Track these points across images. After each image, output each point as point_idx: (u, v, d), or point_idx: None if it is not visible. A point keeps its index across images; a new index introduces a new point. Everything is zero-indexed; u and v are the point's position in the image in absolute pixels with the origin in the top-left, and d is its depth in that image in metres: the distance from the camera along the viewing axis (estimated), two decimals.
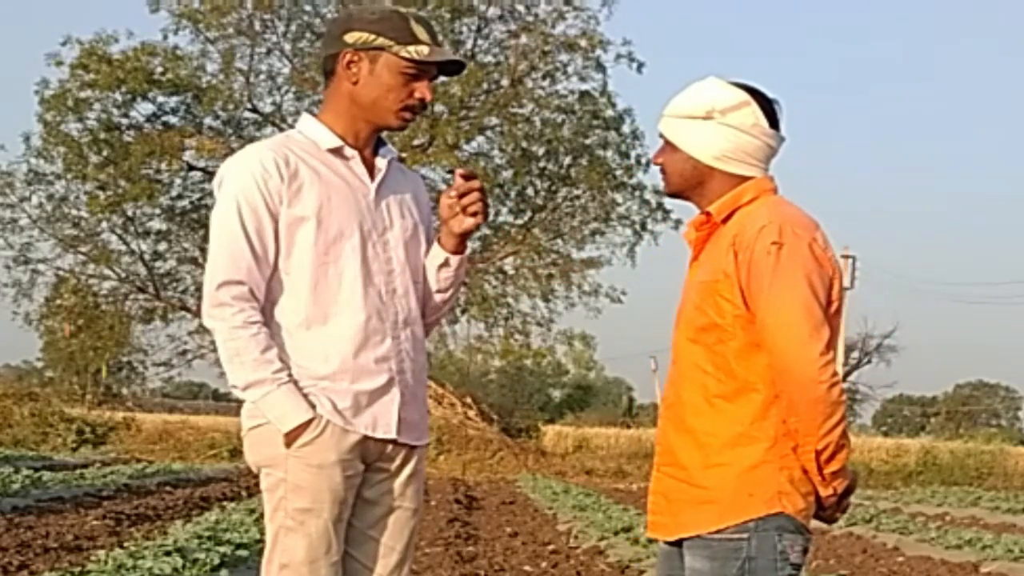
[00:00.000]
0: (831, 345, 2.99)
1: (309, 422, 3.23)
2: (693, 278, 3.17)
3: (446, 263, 3.45)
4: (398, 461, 3.40)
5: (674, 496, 3.11)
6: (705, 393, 3.06)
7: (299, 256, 3.28)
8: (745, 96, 3.13)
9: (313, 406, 3.25)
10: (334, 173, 3.35)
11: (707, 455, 3.04)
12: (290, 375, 3.24)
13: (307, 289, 3.28)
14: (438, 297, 3.49)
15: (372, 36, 3.32)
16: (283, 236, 3.28)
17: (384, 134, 3.48)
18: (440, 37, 3.40)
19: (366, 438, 3.31)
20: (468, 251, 3.50)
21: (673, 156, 3.16)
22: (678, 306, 3.21)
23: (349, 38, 3.34)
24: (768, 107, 3.15)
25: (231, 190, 3.28)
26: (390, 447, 3.37)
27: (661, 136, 3.20)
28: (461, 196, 3.38)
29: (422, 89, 3.34)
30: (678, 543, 3.14)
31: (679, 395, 3.13)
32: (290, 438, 3.24)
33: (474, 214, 3.39)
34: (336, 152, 3.37)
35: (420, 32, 3.32)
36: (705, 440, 3.05)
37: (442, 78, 3.49)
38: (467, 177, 3.41)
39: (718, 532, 3.02)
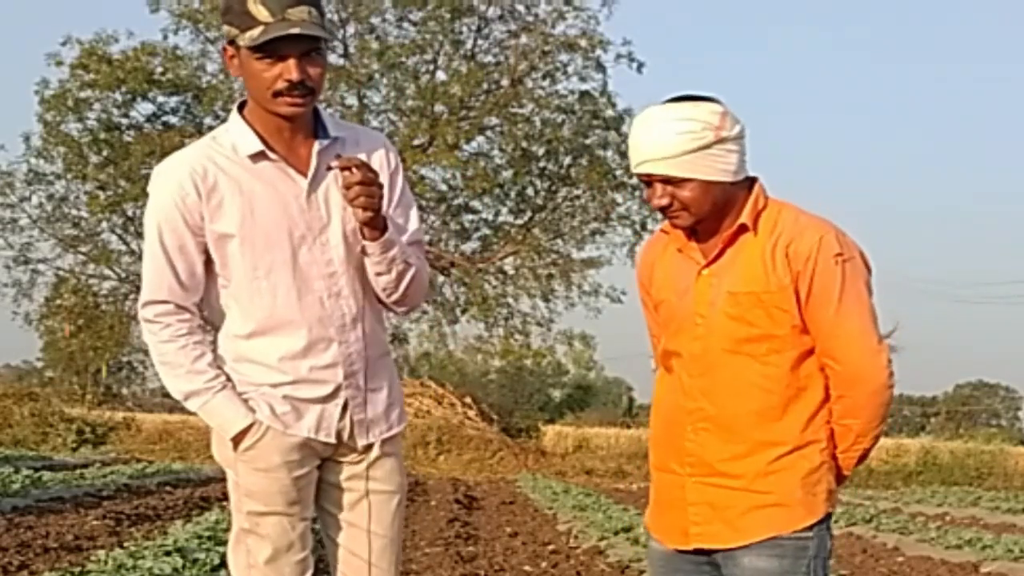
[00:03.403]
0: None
1: (250, 426, 3.21)
2: (715, 286, 3.12)
3: (363, 250, 3.24)
4: (359, 450, 3.33)
5: (725, 504, 3.12)
6: (758, 403, 3.10)
7: (233, 269, 3.21)
8: (720, 107, 3.10)
9: (253, 411, 3.22)
10: (257, 179, 3.20)
11: (765, 462, 3.09)
12: (225, 381, 3.21)
13: (245, 304, 3.22)
14: (379, 281, 3.26)
15: (229, 28, 3.12)
16: (214, 249, 3.21)
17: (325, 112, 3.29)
18: (302, 8, 3.06)
19: (310, 439, 3.27)
20: (387, 236, 3.21)
21: (695, 189, 3.09)
22: (684, 314, 3.16)
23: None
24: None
25: (151, 211, 3.23)
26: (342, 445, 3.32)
27: (667, 179, 3.10)
28: (347, 189, 3.15)
29: (288, 70, 3.09)
30: (693, 551, 3.17)
31: (723, 406, 3.12)
32: (235, 442, 3.23)
33: (363, 207, 3.14)
34: (258, 156, 3.20)
35: (259, 12, 3.05)
36: (763, 448, 3.10)
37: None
38: (345, 168, 3.14)
39: (792, 532, 3.10)
